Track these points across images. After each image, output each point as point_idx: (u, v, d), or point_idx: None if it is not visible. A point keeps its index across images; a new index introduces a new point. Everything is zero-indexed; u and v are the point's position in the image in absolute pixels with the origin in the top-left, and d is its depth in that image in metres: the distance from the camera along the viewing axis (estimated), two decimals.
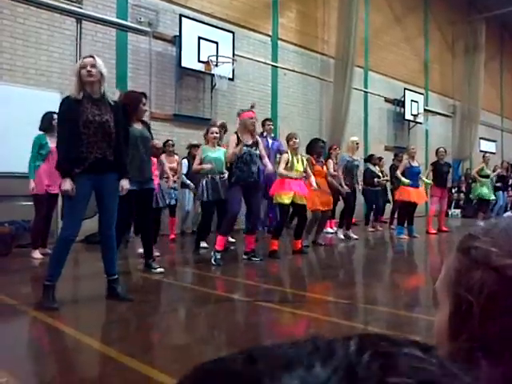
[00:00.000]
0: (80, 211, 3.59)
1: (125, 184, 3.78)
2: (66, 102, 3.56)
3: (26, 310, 3.45)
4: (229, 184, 5.74)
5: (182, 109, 9.02)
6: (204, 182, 6.04)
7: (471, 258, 0.59)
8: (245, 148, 5.57)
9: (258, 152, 5.72)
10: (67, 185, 3.45)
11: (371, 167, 10.11)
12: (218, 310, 3.64)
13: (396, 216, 9.75)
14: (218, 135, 6.30)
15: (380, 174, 10.24)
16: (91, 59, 3.59)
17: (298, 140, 6.39)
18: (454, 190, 15.36)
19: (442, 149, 9.82)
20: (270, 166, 5.91)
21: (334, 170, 7.84)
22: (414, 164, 8.77)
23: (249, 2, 10.29)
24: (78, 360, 2.67)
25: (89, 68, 3.53)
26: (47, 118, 5.86)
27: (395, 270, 5.95)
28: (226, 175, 5.87)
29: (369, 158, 10.37)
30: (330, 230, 8.94)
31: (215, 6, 9.62)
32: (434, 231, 9.48)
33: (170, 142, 7.61)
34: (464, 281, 0.59)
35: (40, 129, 5.86)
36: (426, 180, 9.41)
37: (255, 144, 5.72)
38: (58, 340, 2.95)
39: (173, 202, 7.36)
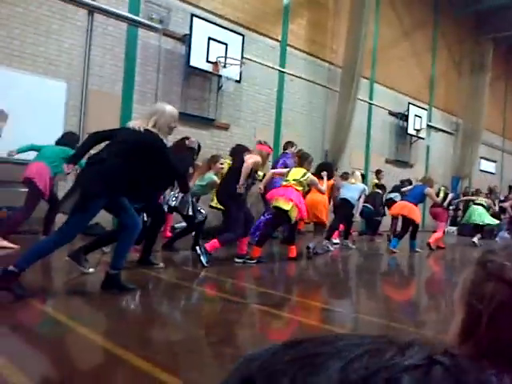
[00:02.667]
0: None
1: None
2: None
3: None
4: (234, 200, 5.73)
5: (187, 107, 9.04)
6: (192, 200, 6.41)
7: (486, 270, 0.62)
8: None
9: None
10: None
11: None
12: (213, 309, 3.65)
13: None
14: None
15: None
16: None
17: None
18: (451, 207, 15.39)
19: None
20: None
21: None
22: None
23: (261, 6, 10.34)
24: (72, 349, 2.69)
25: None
26: (75, 138, 6.29)
27: (389, 282, 5.97)
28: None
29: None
30: (335, 240, 9.00)
31: (227, 7, 9.67)
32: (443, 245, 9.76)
33: None
34: (477, 291, 0.62)
35: (62, 143, 6.07)
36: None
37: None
38: (54, 329, 2.96)
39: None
